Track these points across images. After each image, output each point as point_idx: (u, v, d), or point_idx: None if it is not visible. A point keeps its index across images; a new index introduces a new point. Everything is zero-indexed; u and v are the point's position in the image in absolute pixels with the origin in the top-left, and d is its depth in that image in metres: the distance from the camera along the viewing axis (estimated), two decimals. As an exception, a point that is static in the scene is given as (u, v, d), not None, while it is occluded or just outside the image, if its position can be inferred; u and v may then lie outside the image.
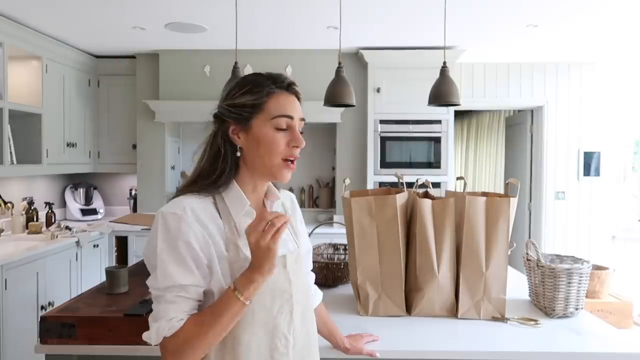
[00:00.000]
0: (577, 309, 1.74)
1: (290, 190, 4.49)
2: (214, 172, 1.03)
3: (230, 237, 1.00)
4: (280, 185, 1.17)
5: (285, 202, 1.22)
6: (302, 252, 1.17)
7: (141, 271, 2.20)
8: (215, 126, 1.07)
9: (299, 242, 1.18)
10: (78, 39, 3.85)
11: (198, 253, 0.96)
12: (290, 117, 1.04)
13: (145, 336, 0.97)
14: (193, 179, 1.05)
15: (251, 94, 1.03)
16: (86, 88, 4.31)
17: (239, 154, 1.04)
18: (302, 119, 1.08)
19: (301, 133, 1.07)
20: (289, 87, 1.06)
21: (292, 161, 1.04)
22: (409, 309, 1.76)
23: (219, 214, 1.01)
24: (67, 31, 3.65)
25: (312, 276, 1.34)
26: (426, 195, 1.91)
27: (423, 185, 2.13)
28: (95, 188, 4.64)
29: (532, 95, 4.53)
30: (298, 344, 1.06)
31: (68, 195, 4.47)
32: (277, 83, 1.05)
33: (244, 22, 3.29)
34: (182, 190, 1.05)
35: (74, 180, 4.58)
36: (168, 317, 0.95)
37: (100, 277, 3.53)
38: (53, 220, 3.99)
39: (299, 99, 1.08)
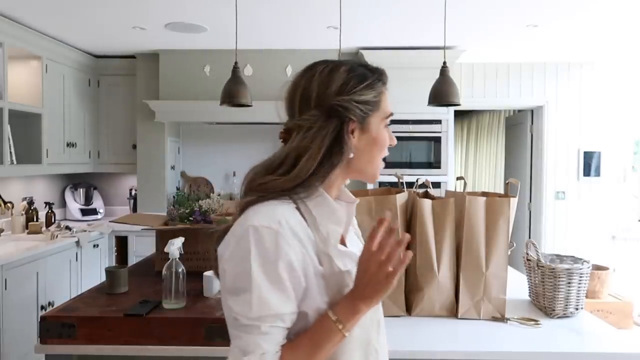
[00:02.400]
0: (577, 309, 1.74)
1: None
2: (315, 172, 0.88)
3: (322, 248, 0.88)
4: None
5: None
6: None
7: (141, 271, 2.20)
8: (327, 122, 0.89)
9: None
10: (78, 39, 3.85)
11: (299, 275, 0.84)
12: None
13: None
14: (298, 180, 0.87)
15: (372, 89, 0.93)
16: (86, 88, 4.31)
17: (352, 155, 0.91)
18: None
19: None
20: (386, 83, 0.98)
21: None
22: (409, 309, 1.76)
23: (306, 222, 0.88)
24: (67, 31, 3.65)
25: None
26: (426, 195, 1.91)
27: (423, 185, 2.13)
28: (95, 188, 4.64)
29: (532, 95, 4.53)
30: (381, 355, 0.98)
31: (68, 195, 4.47)
32: (384, 78, 0.97)
33: (244, 22, 3.29)
34: (256, 197, 0.89)
35: (74, 180, 4.58)
36: (261, 351, 0.81)
37: (100, 277, 3.53)
38: (53, 220, 3.98)
39: None
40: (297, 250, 0.84)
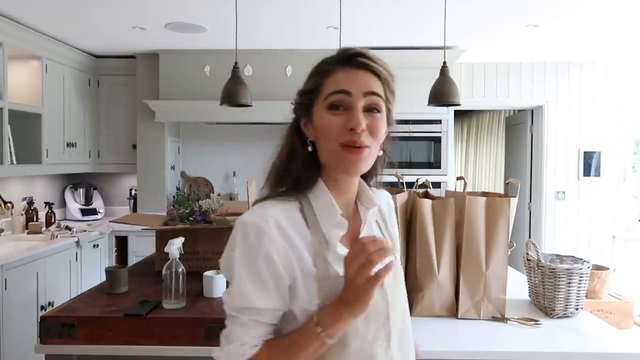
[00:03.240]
0: (577, 309, 1.74)
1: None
2: (289, 173, 0.90)
3: (318, 249, 0.86)
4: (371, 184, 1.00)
5: (382, 204, 1.03)
6: (399, 263, 1.01)
7: (141, 271, 2.20)
8: (290, 123, 0.95)
9: (396, 252, 1.02)
10: (78, 39, 3.85)
11: (280, 272, 0.83)
12: (346, 92, 0.85)
13: (215, 355, 0.88)
14: (272, 181, 0.92)
15: (312, 78, 0.91)
16: (86, 88, 4.31)
17: (310, 148, 0.90)
18: (373, 93, 0.86)
19: (377, 111, 0.87)
20: (351, 59, 0.88)
21: (356, 147, 0.84)
22: (409, 309, 1.76)
23: (306, 222, 0.87)
24: (67, 31, 3.64)
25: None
26: (426, 195, 1.91)
27: (423, 185, 2.13)
28: (95, 188, 4.64)
29: (532, 95, 4.53)
30: None
31: (68, 195, 4.47)
32: (340, 58, 0.89)
33: (244, 22, 3.28)
34: (267, 194, 0.91)
35: (74, 180, 4.58)
36: (241, 342, 0.84)
37: (100, 277, 3.53)
38: (53, 220, 3.98)
39: (374, 72, 0.88)
40: (281, 248, 0.83)
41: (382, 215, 1.02)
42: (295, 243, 0.84)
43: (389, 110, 0.92)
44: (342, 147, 0.84)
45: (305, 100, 0.90)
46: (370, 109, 0.86)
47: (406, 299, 1.02)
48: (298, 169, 0.89)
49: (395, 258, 0.97)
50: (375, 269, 0.76)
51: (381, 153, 0.93)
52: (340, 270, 0.84)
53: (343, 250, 0.87)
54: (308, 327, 0.82)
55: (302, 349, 0.82)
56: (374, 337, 0.87)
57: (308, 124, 0.90)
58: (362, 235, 0.92)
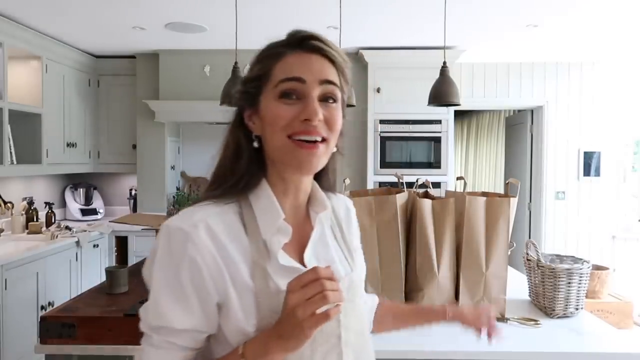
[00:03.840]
0: (577, 309, 1.74)
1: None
2: (234, 172, 0.78)
3: (257, 260, 0.74)
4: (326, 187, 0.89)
5: (339, 210, 0.92)
6: (357, 277, 0.88)
7: (141, 271, 2.20)
8: (232, 116, 0.83)
9: (354, 263, 0.89)
10: (78, 39, 3.85)
11: (207, 287, 0.71)
12: (298, 80, 0.74)
13: None
14: (212, 181, 0.81)
15: (259, 62, 0.79)
16: (86, 88, 4.31)
17: (256, 144, 0.78)
18: (329, 82, 0.76)
19: (332, 101, 0.77)
20: (302, 42, 0.76)
21: (308, 141, 0.74)
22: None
23: (245, 227, 0.75)
24: (67, 31, 3.64)
25: (372, 300, 1.07)
26: (426, 195, 1.91)
27: (423, 185, 2.13)
28: (95, 188, 4.64)
29: (532, 95, 4.52)
30: None
31: (68, 195, 4.47)
32: (290, 43, 0.77)
33: (244, 22, 3.28)
34: (203, 196, 0.80)
35: (74, 180, 4.58)
36: None
37: (100, 277, 3.53)
38: (53, 220, 3.98)
39: (328, 57, 0.77)
40: (209, 258, 0.70)
41: (338, 222, 0.91)
42: (228, 252, 0.72)
43: (343, 101, 0.81)
44: (293, 142, 0.74)
45: (251, 88, 0.78)
46: (326, 99, 0.76)
47: (363, 312, 0.90)
48: (241, 168, 0.78)
49: (352, 270, 0.87)
50: (323, 308, 0.65)
51: (335, 150, 0.82)
52: (282, 284, 0.72)
53: (286, 261, 0.76)
54: (232, 358, 0.71)
55: None
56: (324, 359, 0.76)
57: (253, 115, 0.78)
58: (311, 242, 0.81)
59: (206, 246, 0.71)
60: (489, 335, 1.00)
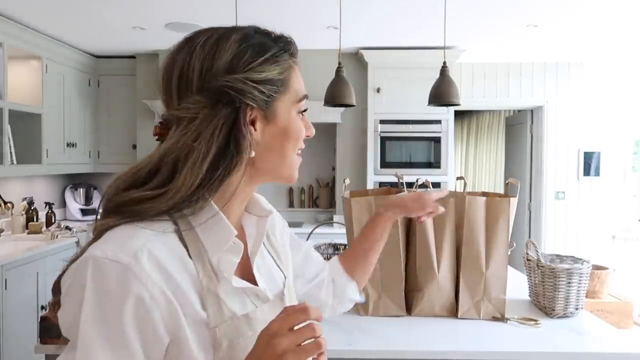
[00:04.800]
0: (577, 308, 1.74)
1: (290, 190, 4.49)
2: (204, 184, 0.63)
3: (206, 285, 0.63)
4: None
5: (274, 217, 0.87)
6: (290, 280, 0.84)
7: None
8: (214, 112, 0.65)
9: (283, 265, 0.84)
10: (78, 39, 3.85)
11: (157, 330, 0.59)
12: (306, 97, 0.74)
13: None
14: (181, 197, 0.62)
15: (276, 63, 0.69)
16: (86, 88, 4.31)
17: (253, 153, 0.68)
18: None
19: None
20: (295, 58, 0.74)
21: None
22: (409, 309, 1.76)
23: (187, 250, 0.64)
24: (67, 31, 3.64)
25: (327, 271, 1.07)
26: (426, 195, 1.91)
27: (423, 185, 2.13)
28: (95, 188, 4.64)
29: (532, 95, 4.53)
30: None
31: (68, 195, 4.47)
32: (291, 49, 0.73)
33: (244, 22, 3.26)
34: (140, 205, 0.63)
35: (74, 180, 4.58)
36: None
37: (100, 277, 3.53)
38: (53, 220, 3.98)
39: None
40: (160, 295, 0.58)
41: (273, 228, 0.86)
42: (177, 282, 0.60)
43: None
44: (297, 156, 0.74)
45: (271, 91, 0.68)
46: None
47: None
48: (218, 178, 0.64)
49: (285, 276, 0.82)
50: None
51: None
52: (236, 308, 0.66)
53: (239, 283, 0.68)
54: None
55: None
56: None
57: (259, 121, 0.68)
58: (256, 255, 0.75)
59: (153, 280, 0.58)
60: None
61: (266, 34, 0.72)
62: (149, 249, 0.59)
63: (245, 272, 0.72)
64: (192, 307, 0.61)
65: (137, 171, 0.65)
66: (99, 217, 0.67)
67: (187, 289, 0.61)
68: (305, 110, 0.74)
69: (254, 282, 0.73)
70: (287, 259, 0.88)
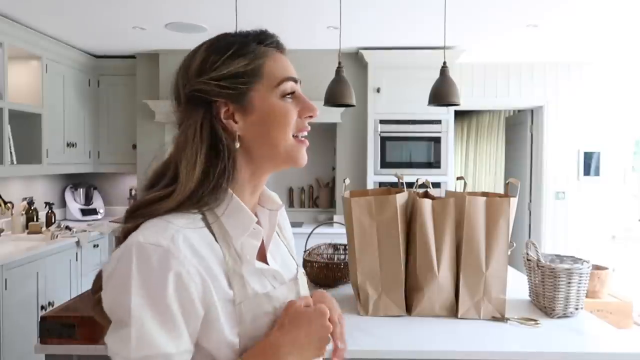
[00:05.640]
0: (577, 309, 1.74)
1: (290, 190, 4.49)
2: (209, 181, 0.71)
3: (233, 267, 0.72)
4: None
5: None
6: (301, 268, 0.93)
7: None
8: (192, 114, 0.74)
9: (295, 257, 0.94)
10: (78, 39, 3.85)
11: (195, 304, 0.67)
12: (295, 80, 0.77)
13: None
14: (186, 194, 0.71)
15: (241, 56, 0.74)
16: (86, 88, 4.31)
17: (238, 144, 0.74)
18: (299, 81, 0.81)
19: None
20: (279, 45, 0.80)
21: (304, 137, 0.78)
22: (409, 309, 1.76)
23: (214, 236, 0.72)
24: (67, 31, 3.64)
25: None
26: (426, 195, 1.91)
27: (423, 185, 2.13)
28: (95, 188, 4.64)
29: (532, 95, 4.53)
30: None
31: (68, 195, 4.47)
32: (266, 40, 0.77)
33: (244, 22, 3.28)
34: (150, 207, 0.71)
35: (74, 180, 4.58)
36: None
37: (100, 277, 3.53)
38: (53, 220, 3.98)
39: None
40: (195, 273, 0.67)
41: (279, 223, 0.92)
42: (208, 263, 0.69)
43: None
44: (297, 140, 0.77)
45: (240, 84, 0.73)
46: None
47: None
48: (220, 176, 0.72)
49: (297, 265, 0.90)
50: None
51: None
52: (258, 287, 0.74)
53: (260, 264, 0.77)
54: None
55: None
56: None
57: (236, 113, 0.74)
58: (271, 241, 0.84)
59: (189, 260, 0.67)
60: None
61: (239, 34, 0.77)
62: (183, 234, 0.68)
63: (261, 258, 0.80)
64: (221, 285, 0.70)
65: (150, 176, 0.76)
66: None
67: (217, 270, 0.70)
68: (292, 93, 0.77)
69: None
70: (292, 251, 0.94)
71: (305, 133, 0.78)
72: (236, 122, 0.74)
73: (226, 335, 0.70)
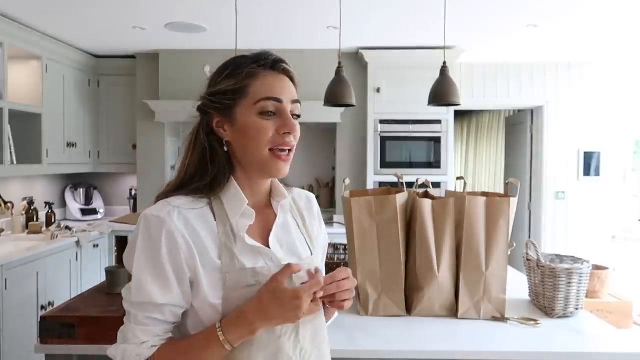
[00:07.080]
0: (577, 309, 1.75)
1: (290, 190, 4.49)
2: (205, 175, 0.89)
3: (224, 241, 0.86)
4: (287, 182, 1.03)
5: (299, 201, 1.05)
6: (317, 260, 1.00)
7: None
8: (197, 122, 0.94)
9: (314, 248, 1.01)
10: (78, 39, 3.85)
11: (182, 265, 0.84)
12: (278, 100, 0.88)
13: (110, 353, 0.89)
14: (180, 182, 0.91)
15: (231, 77, 0.89)
16: (86, 88, 4.31)
17: (225, 148, 0.91)
18: (296, 101, 0.91)
19: (297, 117, 0.91)
20: (274, 65, 0.91)
21: (285, 150, 0.89)
22: (409, 309, 1.76)
23: (214, 215, 0.88)
24: (67, 31, 3.64)
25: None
26: (426, 195, 1.91)
27: (423, 185, 2.13)
28: (95, 188, 4.64)
29: (532, 95, 4.52)
30: None
31: (68, 195, 4.47)
32: (259, 61, 0.90)
33: (244, 22, 3.28)
34: (166, 194, 0.91)
35: (74, 180, 4.58)
36: (138, 340, 0.85)
37: (100, 277, 3.53)
38: (53, 220, 3.98)
39: (291, 79, 0.93)
40: (182, 240, 0.83)
41: (299, 211, 1.03)
42: (199, 235, 0.85)
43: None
44: (273, 154, 0.88)
45: (226, 100, 0.89)
46: (294, 115, 0.91)
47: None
48: (214, 169, 0.89)
49: (312, 254, 0.99)
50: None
51: None
52: (247, 262, 0.87)
53: (250, 241, 0.89)
54: (210, 331, 0.83)
55: (201, 354, 0.83)
56: (282, 331, 0.88)
57: (224, 124, 0.90)
58: (275, 227, 0.95)
59: (179, 229, 0.84)
60: None
61: (242, 56, 0.92)
62: (179, 209, 0.86)
63: (263, 240, 0.93)
64: (209, 255, 0.85)
65: (182, 168, 0.94)
66: None
67: (207, 241, 0.86)
68: (269, 112, 0.88)
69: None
70: (319, 239, 1.05)
71: (285, 147, 0.89)
72: (225, 131, 0.90)
73: (209, 298, 0.84)
